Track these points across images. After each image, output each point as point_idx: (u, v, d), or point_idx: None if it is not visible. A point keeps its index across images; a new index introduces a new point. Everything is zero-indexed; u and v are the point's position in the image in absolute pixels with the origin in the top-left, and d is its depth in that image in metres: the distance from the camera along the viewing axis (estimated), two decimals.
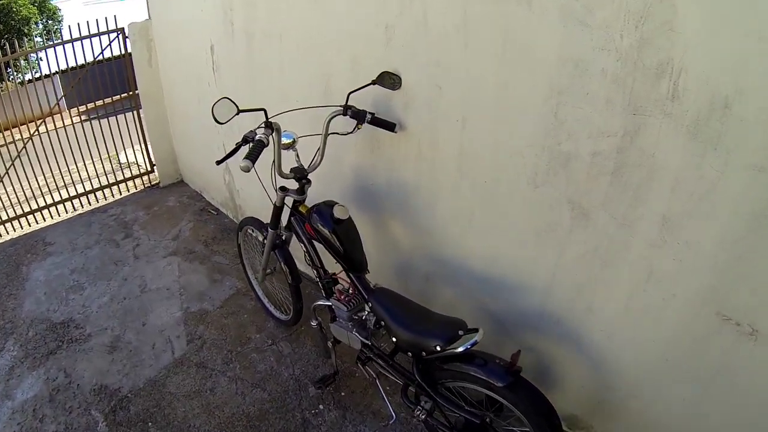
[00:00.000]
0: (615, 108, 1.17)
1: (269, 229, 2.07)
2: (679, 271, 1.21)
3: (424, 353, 1.48)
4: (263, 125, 1.65)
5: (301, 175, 1.81)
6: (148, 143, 4.39)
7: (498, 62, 1.41)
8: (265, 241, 2.14)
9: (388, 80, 1.70)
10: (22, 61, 5.51)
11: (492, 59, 1.42)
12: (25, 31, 11.67)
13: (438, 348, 1.40)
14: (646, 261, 1.27)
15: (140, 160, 4.65)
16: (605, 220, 1.32)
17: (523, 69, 1.36)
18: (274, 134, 1.68)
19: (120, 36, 3.84)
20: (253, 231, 2.38)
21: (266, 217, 2.11)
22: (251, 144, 1.56)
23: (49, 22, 13.15)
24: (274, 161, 1.78)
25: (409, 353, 1.57)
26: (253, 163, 1.48)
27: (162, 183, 4.52)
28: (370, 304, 1.68)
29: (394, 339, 1.56)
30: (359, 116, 1.75)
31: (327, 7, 1.94)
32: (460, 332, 1.40)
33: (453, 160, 1.69)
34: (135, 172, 4.61)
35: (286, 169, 1.82)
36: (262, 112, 1.63)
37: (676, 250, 1.19)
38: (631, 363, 1.44)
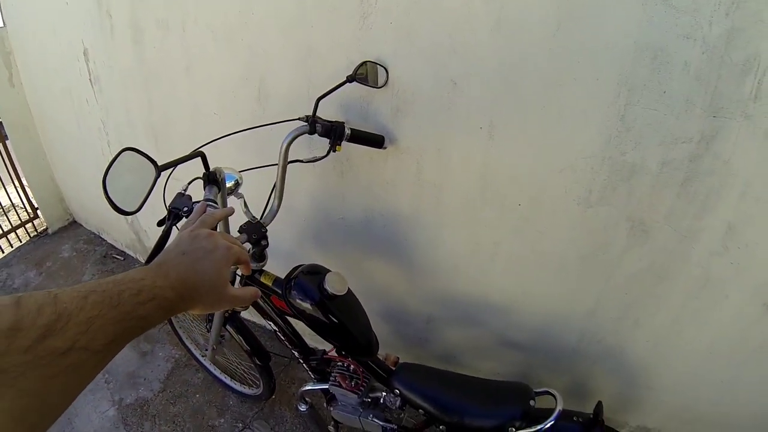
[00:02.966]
0: (694, 109, 0.98)
1: None
2: (735, 275, 1.12)
3: None
4: (204, 180, 1.04)
5: (259, 234, 1.21)
6: (24, 182, 3.51)
7: (548, 48, 1.05)
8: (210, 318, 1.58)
9: (371, 74, 1.22)
10: None
11: (539, 44, 1.06)
12: None
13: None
14: (703, 270, 1.15)
15: (21, 202, 3.73)
16: (667, 235, 1.15)
17: (584, 57, 1.03)
18: (219, 187, 1.09)
19: None
20: None
21: None
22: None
23: None
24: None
25: None
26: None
27: (50, 229, 3.65)
28: (397, 391, 1.26)
29: (442, 428, 1.20)
30: (336, 132, 1.21)
31: None
32: (532, 402, 1.14)
33: (473, 181, 1.28)
34: (18, 218, 3.70)
35: (233, 228, 1.25)
36: (200, 158, 1.01)
37: (735, 254, 1.10)
38: (673, 363, 1.36)
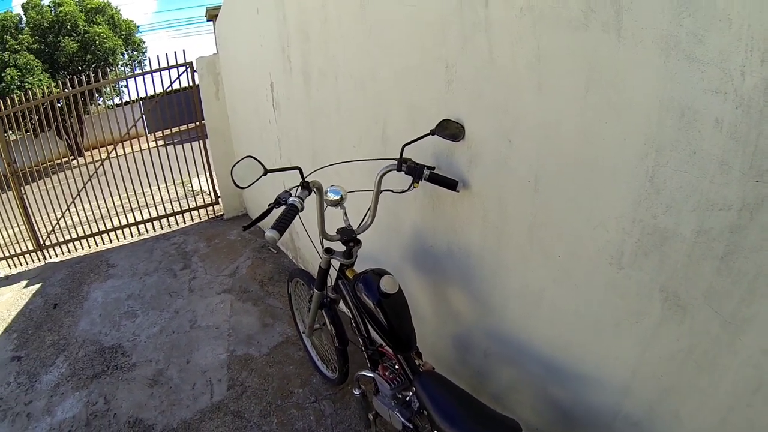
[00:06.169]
0: (732, 172, 0.89)
1: (315, 290, 1.91)
2: None
3: None
4: (300, 186, 1.46)
5: (348, 237, 1.62)
6: (214, 174, 4.49)
7: (580, 109, 1.15)
8: (310, 299, 1.99)
9: (449, 130, 1.50)
10: (108, 88, 5.92)
11: (572, 105, 1.16)
12: (110, 60, 12.88)
13: None
14: (755, 370, 0.98)
15: (208, 189, 4.76)
16: (707, 316, 1.03)
17: (611, 117, 1.08)
18: (315, 194, 1.51)
19: (188, 69, 3.97)
20: (302, 284, 2.25)
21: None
22: (283, 208, 1.35)
23: (134, 53, 14.45)
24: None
25: None
26: (281, 234, 1.27)
27: (226, 215, 4.59)
28: (414, 388, 1.47)
29: None
30: (416, 173, 1.53)
31: (382, 41, 1.78)
32: None
33: (523, 228, 1.45)
34: (203, 200, 4.72)
35: (331, 230, 1.65)
36: (297, 170, 1.46)
37: None
38: None
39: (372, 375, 1.69)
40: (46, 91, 4.37)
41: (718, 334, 1.02)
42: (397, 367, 1.61)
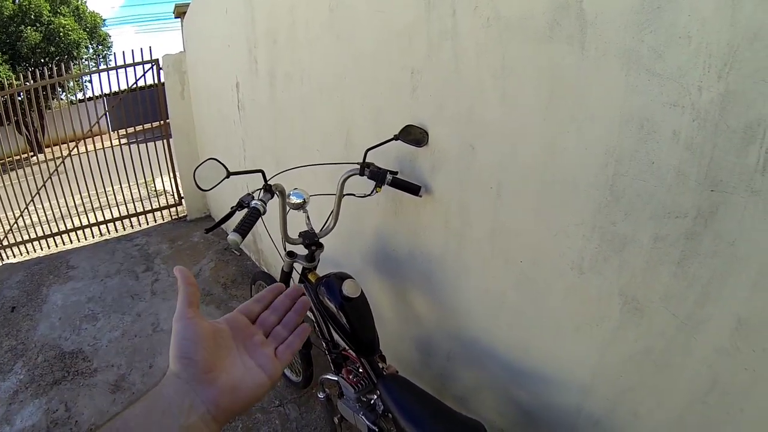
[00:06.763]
0: (688, 182, 0.92)
1: None
2: (751, 384, 0.95)
3: None
4: (263, 189, 1.44)
5: (310, 240, 1.62)
6: (177, 175, 4.40)
7: (542, 118, 1.17)
8: None
9: (413, 135, 1.50)
10: (71, 83, 5.73)
11: (535, 115, 1.18)
12: (75, 54, 12.41)
13: None
14: (710, 369, 1.01)
15: (171, 189, 4.66)
16: (664, 318, 1.06)
17: (573, 128, 1.11)
18: (278, 197, 1.50)
19: (154, 67, 3.88)
20: (265, 286, 2.22)
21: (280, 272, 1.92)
22: (245, 211, 1.33)
23: (99, 47, 13.98)
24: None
25: None
26: (243, 237, 1.25)
27: (189, 216, 4.51)
28: (378, 391, 1.47)
29: None
30: (378, 177, 1.54)
31: (351, 46, 1.78)
32: None
33: (485, 234, 1.47)
34: (166, 201, 4.63)
35: (294, 233, 1.64)
36: (260, 173, 1.44)
37: (750, 359, 0.94)
38: None
39: (336, 378, 1.68)
40: (6, 83, 4.20)
41: (675, 335, 1.06)
42: (360, 370, 1.60)
